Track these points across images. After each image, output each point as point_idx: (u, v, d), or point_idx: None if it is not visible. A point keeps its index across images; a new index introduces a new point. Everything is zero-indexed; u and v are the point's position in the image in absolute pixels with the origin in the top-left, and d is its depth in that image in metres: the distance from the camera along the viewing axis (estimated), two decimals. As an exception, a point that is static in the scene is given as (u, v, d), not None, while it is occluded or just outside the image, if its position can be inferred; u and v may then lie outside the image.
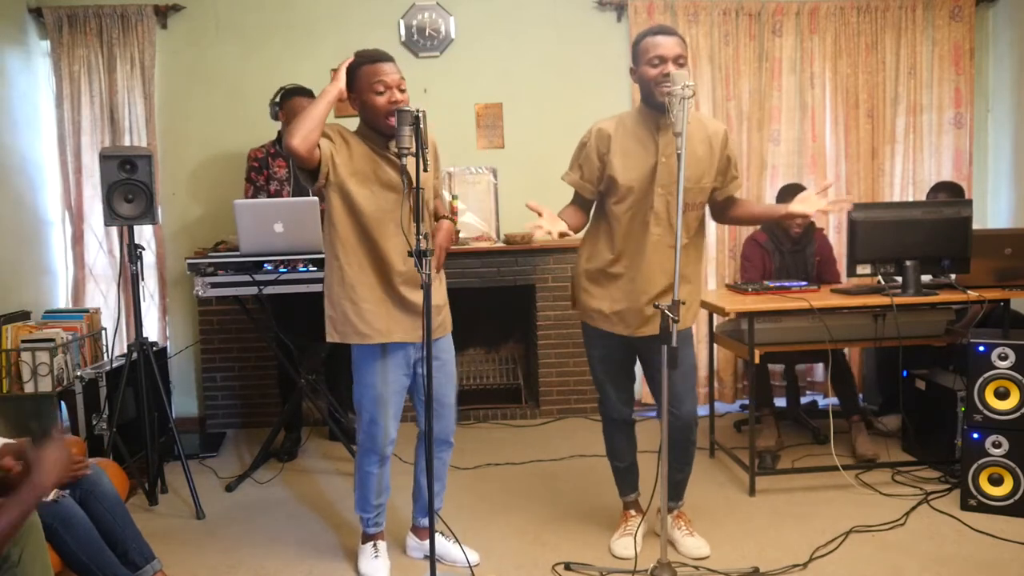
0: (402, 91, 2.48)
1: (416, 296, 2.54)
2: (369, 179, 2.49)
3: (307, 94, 3.90)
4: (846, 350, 4.03)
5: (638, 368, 2.87)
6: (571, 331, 4.50)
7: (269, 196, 3.90)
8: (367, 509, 2.72)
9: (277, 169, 3.93)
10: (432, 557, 2.41)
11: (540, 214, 2.49)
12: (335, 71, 2.50)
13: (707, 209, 2.81)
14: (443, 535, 2.76)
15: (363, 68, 2.48)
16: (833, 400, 3.87)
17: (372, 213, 2.49)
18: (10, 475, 2.09)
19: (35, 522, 2.06)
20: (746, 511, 3.15)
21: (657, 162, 2.57)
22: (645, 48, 2.54)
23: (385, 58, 2.49)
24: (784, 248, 4.00)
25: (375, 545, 2.74)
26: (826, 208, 2.59)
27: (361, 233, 2.51)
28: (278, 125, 4.01)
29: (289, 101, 3.87)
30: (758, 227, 4.12)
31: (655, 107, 2.55)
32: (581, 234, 2.80)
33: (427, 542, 2.67)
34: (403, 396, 2.66)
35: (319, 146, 2.40)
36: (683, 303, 2.49)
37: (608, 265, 2.67)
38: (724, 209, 2.82)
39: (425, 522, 2.73)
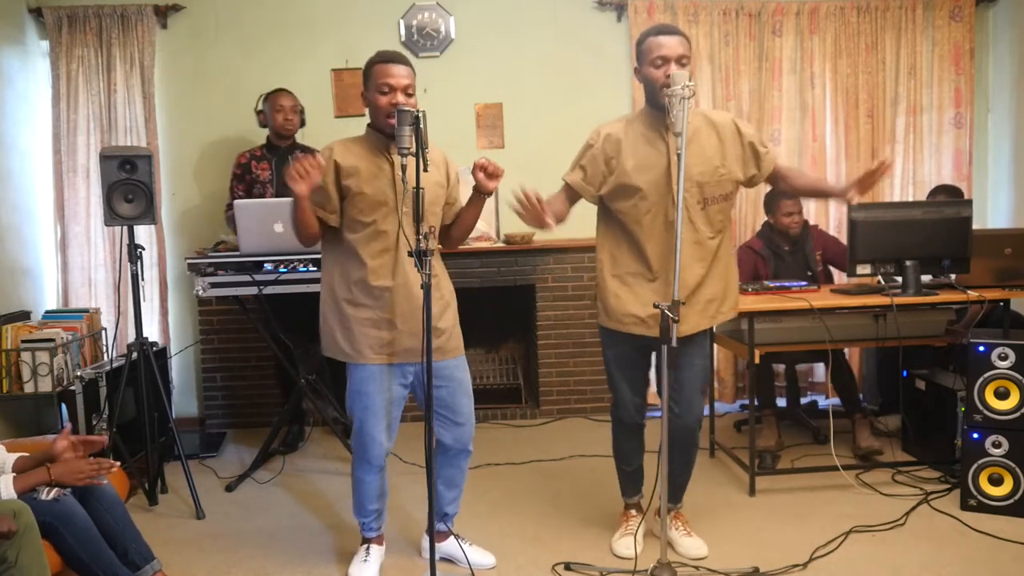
0: (408, 95, 2.45)
1: (415, 318, 2.50)
2: (366, 200, 2.48)
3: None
4: (846, 350, 4.02)
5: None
6: (571, 331, 4.50)
7: None
8: (363, 514, 2.72)
9: (260, 172, 3.96)
10: (432, 558, 2.42)
11: (530, 203, 2.52)
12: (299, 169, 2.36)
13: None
14: (459, 538, 2.76)
15: (375, 67, 2.47)
16: (833, 400, 3.87)
17: (370, 233, 2.49)
18: None
19: (31, 523, 2.06)
20: (746, 511, 3.15)
21: (670, 161, 2.56)
22: (648, 48, 2.53)
23: (397, 60, 2.48)
24: (782, 251, 4.00)
25: (367, 549, 2.73)
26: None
27: (356, 253, 2.51)
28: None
29: (268, 100, 4.00)
30: (754, 235, 4.13)
31: (660, 108, 2.54)
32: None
33: (441, 544, 2.72)
34: (401, 406, 2.63)
35: (326, 206, 2.49)
36: (683, 303, 2.48)
37: (639, 268, 2.63)
38: (778, 183, 2.79)
39: (440, 526, 2.74)
